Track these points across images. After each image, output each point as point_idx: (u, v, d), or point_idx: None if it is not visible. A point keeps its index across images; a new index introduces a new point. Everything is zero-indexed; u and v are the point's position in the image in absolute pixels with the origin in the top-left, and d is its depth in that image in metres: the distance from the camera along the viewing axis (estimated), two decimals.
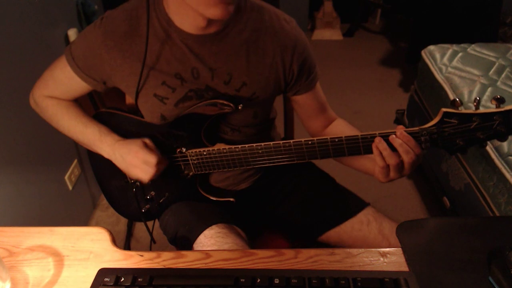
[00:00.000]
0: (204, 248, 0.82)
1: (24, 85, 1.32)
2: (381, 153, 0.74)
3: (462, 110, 0.70)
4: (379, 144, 0.73)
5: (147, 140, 0.88)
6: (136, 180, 0.97)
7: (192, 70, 0.84)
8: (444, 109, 0.70)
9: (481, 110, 0.68)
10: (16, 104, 1.31)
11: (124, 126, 0.93)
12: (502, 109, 0.67)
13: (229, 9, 0.72)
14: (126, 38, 0.82)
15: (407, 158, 0.73)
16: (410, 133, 0.72)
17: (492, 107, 0.69)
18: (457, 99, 0.70)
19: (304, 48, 0.89)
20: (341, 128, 1.00)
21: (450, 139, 0.72)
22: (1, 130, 1.26)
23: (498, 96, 0.67)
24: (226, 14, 0.72)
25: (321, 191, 1.03)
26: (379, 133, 0.74)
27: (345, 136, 0.76)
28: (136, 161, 0.85)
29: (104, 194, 1.07)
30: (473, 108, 0.69)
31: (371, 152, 0.76)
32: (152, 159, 0.84)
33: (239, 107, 0.84)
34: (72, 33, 1.63)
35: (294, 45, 0.87)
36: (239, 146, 0.84)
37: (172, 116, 0.88)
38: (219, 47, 0.83)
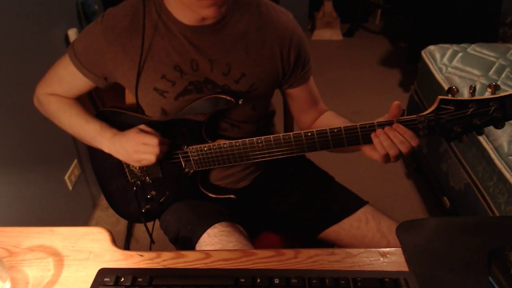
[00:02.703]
0: (208, 247, 0.82)
1: (24, 85, 1.33)
2: (381, 143, 0.75)
3: (458, 97, 0.70)
4: (380, 135, 0.74)
5: (142, 126, 0.89)
6: (137, 179, 0.97)
7: (191, 61, 0.85)
8: (440, 97, 0.71)
9: (477, 96, 0.69)
10: (16, 104, 1.31)
11: (126, 125, 0.93)
12: (498, 95, 0.68)
13: (221, 10, 0.75)
14: (126, 33, 0.83)
15: (403, 148, 0.74)
16: (408, 121, 0.73)
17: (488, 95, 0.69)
18: (454, 87, 0.70)
19: (300, 40, 0.91)
20: (329, 119, 1.00)
21: (447, 126, 0.72)
22: (1, 130, 1.26)
23: (494, 83, 0.68)
24: (218, 15, 0.76)
25: (320, 189, 1.03)
26: (377, 122, 0.74)
27: (344, 126, 0.76)
28: (137, 145, 0.86)
29: (104, 195, 1.07)
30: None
31: (369, 142, 0.76)
32: (152, 139, 0.85)
33: (240, 102, 0.85)
34: (72, 33, 1.63)
35: (291, 36, 0.89)
36: (239, 140, 0.84)
37: (173, 110, 0.88)
38: (218, 38, 0.84)
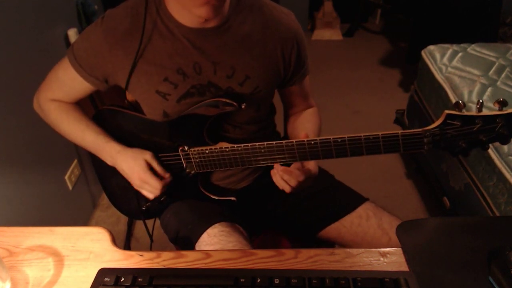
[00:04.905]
0: (208, 247, 0.83)
1: (24, 85, 1.32)
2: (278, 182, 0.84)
3: (465, 112, 0.70)
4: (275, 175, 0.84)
5: (150, 159, 0.88)
6: None
7: (194, 65, 0.84)
8: (447, 111, 0.70)
9: (484, 112, 0.69)
10: (16, 104, 1.31)
11: (126, 124, 0.93)
12: (505, 112, 0.67)
13: (217, 11, 0.74)
14: (127, 35, 0.83)
15: (292, 183, 0.82)
16: (412, 134, 0.73)
17: (494, 109, 0.68)
18: (460, 102, 0.70)
19: (301, 41, 0.92)
20: (301, 121, 1.03)
21: (453, 141, 0.72)
22: (1, 130, 1.26)
23: (501, 99, 0.67)
24: (211, 14, 0.74)
25: (320, 187, 1.03)
26: (381, 134, 0.74)
27: (348, 136, 0.76)
28: (139, 183, 0.88)
29: (105, 191, 1.07)
30: (474, 108, 0.70)
31: (373, 153, 0.76)
32: (156, 184, 0.86)
33: (242, 106, 0.84)
34: (72, 33, 1.63)
35: (294, 37, 0.89)
36: (242, 145, 0.84)
37: (175, 113, 0.88)
38: (222, 40, 0.84)
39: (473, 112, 0.69)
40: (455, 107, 0.70)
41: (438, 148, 0.73)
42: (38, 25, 1.47)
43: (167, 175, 0.89)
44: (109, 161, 0.92)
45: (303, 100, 1.04)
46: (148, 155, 0.88)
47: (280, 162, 0.83)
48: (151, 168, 0.88)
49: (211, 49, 0.84)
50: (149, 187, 0.87)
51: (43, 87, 0.96)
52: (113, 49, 0.83)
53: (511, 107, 0.67)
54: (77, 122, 0.93)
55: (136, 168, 0.87)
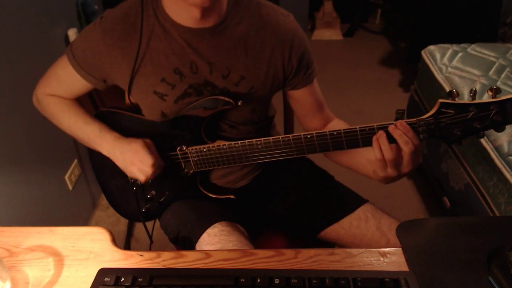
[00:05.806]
0: (208, 247, 0.83)
1: (24, 85, 1.32)
2: (380, 147, 0.74)
3: (458, 100, 0.70)
4: (380, 137, 0.73)
5: (148, 141, 0.89)
6: (136, 179, 0.98)
7: (191, 64, 0.84)
8: (441, 100, 0.71)
9: (478, 100, 0.69)
10: (16, 103, 1.31)
11: (126, 125, 0.93)
12: (498, 99, 0.68)
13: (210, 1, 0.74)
14: (125, 36, 0.83)
15: (406, 149, 0.72)
16: (407, 124, 0.73)
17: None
18: (454, 90, 0.70)
19: (301, 42, 0.90)
20: (340, 127, 0.99)
21: (447, 129, 0.72)
22: (1, 130, 1.26)
23: (494, 87, 0.68)
24: (205, 1, 0.74)
25: (319, 188, 1.03)
26: (377, 125, 0.74)
27: (343, 129, 0.76)
28: (135, 159, 0.86)
29: (104, 194, 1.07)
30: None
31: (369, 144, 0.76)
32: (149, 160, 0.85)
33: (239, 103, 0.85)
34: (72, 33, 1.63)
35: (292, 39, 0.88)
36: (239, 142, 0.84)
37: (172, 113, 0.88)
38: (218, 41, 0.84)
39: (467, 99, 0.70)
40: (448, 97, 0.71)
41: (433, 137, 0.73)
42: (38, 25, 1.47)
43: (160, 161, 0.89)
44: (106, 149, 0.91)
45: (319, 108, 0.99)
46: (147, 139, 0.89)
47: (277, 157, 0.83)
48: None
49: (206, 49, 0.84)
50: (142, 165, 0.86)
51: (41, 83, 0.96)
52: (111, 50, 0.83)
53: (505, 94, 0.68)
54: (79, 114, 0.94)
55: (133, 145, 0.87)
